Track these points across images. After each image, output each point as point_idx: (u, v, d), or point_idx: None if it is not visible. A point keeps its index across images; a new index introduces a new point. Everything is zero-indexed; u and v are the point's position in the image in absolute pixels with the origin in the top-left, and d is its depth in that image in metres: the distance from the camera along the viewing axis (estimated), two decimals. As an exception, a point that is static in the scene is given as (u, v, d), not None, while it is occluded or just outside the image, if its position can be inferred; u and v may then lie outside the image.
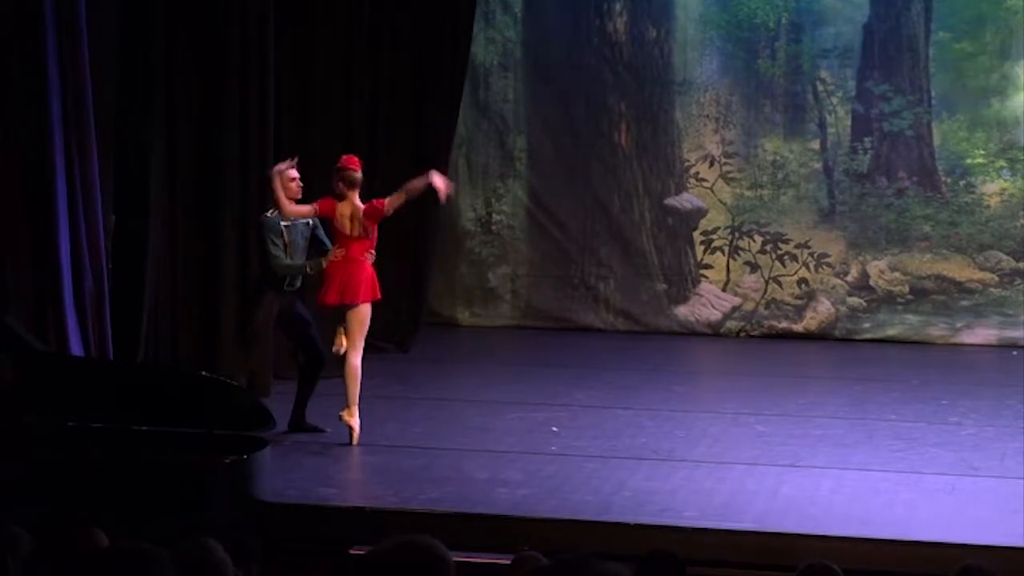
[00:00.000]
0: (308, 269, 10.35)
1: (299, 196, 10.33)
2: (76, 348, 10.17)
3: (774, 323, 14.89)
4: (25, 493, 8.06)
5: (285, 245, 10.32)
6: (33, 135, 10.10)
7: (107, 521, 5.32)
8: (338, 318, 10.35)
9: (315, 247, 10.50)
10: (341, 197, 10.19)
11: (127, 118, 11.28)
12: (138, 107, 11.34)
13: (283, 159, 10.61)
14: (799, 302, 14.88)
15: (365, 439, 10.34)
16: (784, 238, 14.87)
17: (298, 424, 10.53)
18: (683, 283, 15.06)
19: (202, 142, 11.82)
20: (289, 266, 10.32)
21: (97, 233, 10.42)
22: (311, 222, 10.41)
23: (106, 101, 10.82)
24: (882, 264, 14.75)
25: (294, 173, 10.31)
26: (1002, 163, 14.51)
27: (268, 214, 10.40)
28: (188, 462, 8.42)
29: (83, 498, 7.96)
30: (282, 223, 10.30)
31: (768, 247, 14.90)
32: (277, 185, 10.15)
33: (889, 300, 14.73)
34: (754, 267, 14.95)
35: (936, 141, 14.61)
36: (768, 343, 14.71)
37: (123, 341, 10.81)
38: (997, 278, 14.57)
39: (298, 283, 10.50)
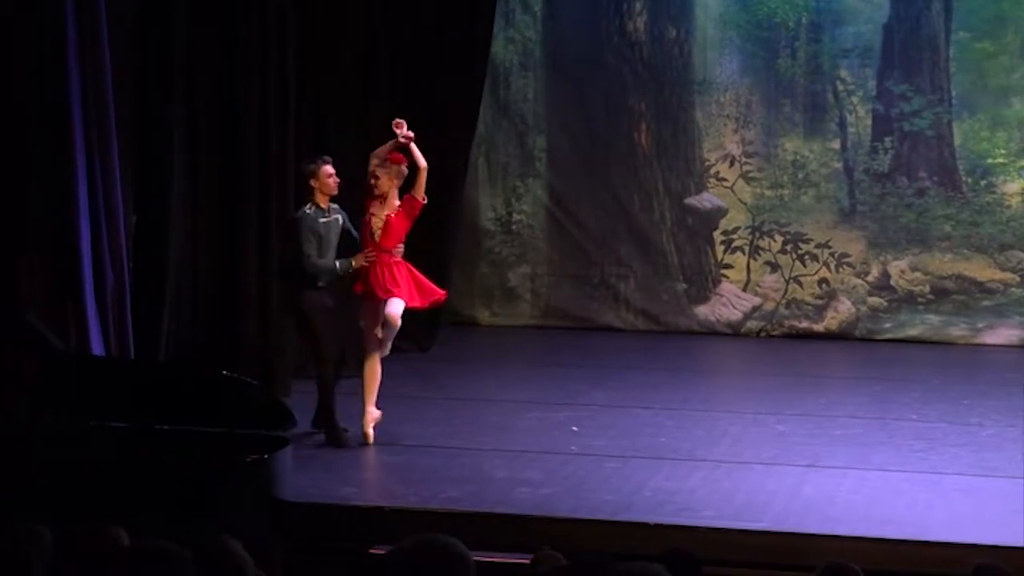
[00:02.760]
0: (338, 269, 10.27)
1: (335, 192, 10.34)
2: (97, 347, 10.19)
3: (794, 323, 14.88)
4: (47, 492, 8.08)
5: (320, 241, 10.29)
6: (54, 133, 10.12)
7: (128, 520, 5.34)
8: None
9: (344, 241, 10.46)
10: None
11: (147, 116, 11.30)
12: (158, 105, 11.35)
13: (305, 160, 10.65)
14: (819, 302, 14.86)
15: (385, 439, 10.35)
16: (804, 238, 14.85)
17: (325, 423, 10.47)
18: (703, 283, 15.05)
19: (223, 140, 11.84)
20: (320, 266, 10.24)
21: (118, 232, 10.44)
22: (341, 218, 10.42)
23: (127, 99, 10.84)
24: (903, 264, 14.72)
25: (330, 169, 10.32)
26: (1023, 162, 14.48)
27: (307, 210, 10.32)
28: (209, 461, 8.44)
29: (104, 497, 7.97)
30: (320, 219, 10.28)
31: (788, 247, 14.89)
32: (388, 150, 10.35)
33: (910, 300, 14.71)
34: (774, 267, 14.93)
35: (957, 141, 14.58)
36: (788, 343, 14.69)
37: (144, 340, 10.83)
38: (1018, 278, 14.53)
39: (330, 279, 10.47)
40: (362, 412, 10.33)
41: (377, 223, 10.33)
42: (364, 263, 10.26)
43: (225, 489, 8.30)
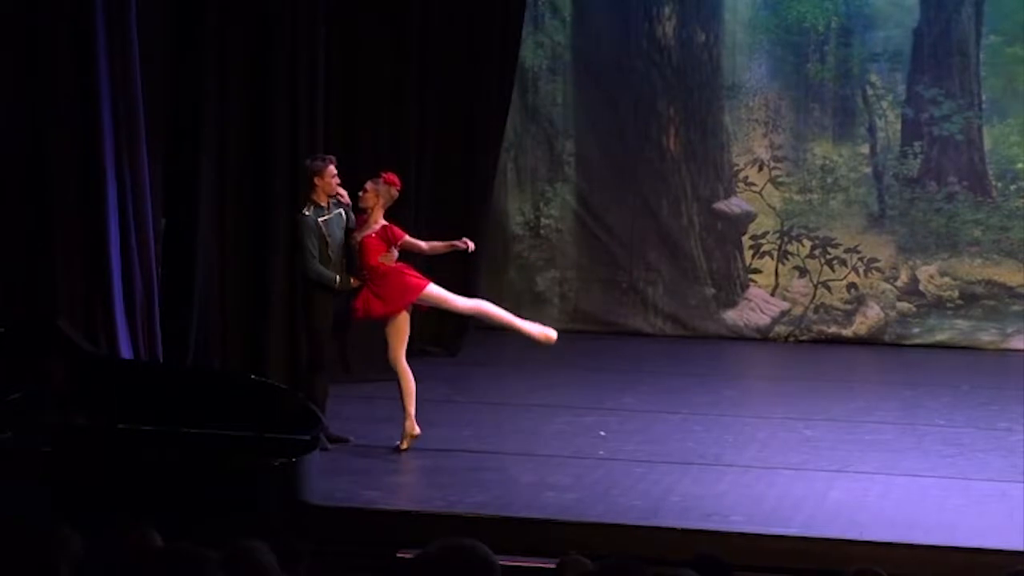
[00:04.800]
0: (338, 283, 10.26)
1: (335, 192, 10.34)
2: (126, 351, 10.22)
3: (823, 328, 14.84)
4: (76, 494, 8.10)
5: (325, 241, 10.28)
6: (84, 139, 10.16)
7: (155, 523, 5.35)
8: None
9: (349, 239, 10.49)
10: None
11: (177, 121, 11.34)
12: (188, 110, 11.39)
13: (310, 157, 10.67)
14: (848, 307, 14.82)
15: (413, 443, 10.35)
16: (833, 243, 14.82)
17: None
18: (732, 287, 15.02)
19: (251, 144, 11.86)
20: (321, 273, 10.24)
21: (147, 236, 10.47)
22: (343, 211, 10.40)
23: (156, 105, 10.87)
24: (932, 269, 14.68)
25: (334, 170, 10.34)
26: (1053, 168, 14.44)
27: (306, 212, 10.32)
28: (237, 464, 8.45)
29: (132, 500, 7.99)
30: (319, 218, 10.28)
31: (817, 251, 14.85)
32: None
33: (939, 305, 14.66)
34: (803, 272, 14.90)
35: (987, 145, 14.53)
36: (817, 348, 14.65)
37: (172, 344, 10.86)
38: (1048, 283, 14.49)
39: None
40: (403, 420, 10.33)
41: (355, 243, 10.34)
42: (358, 283, 10.26)
43: (253, 492, 8.31)
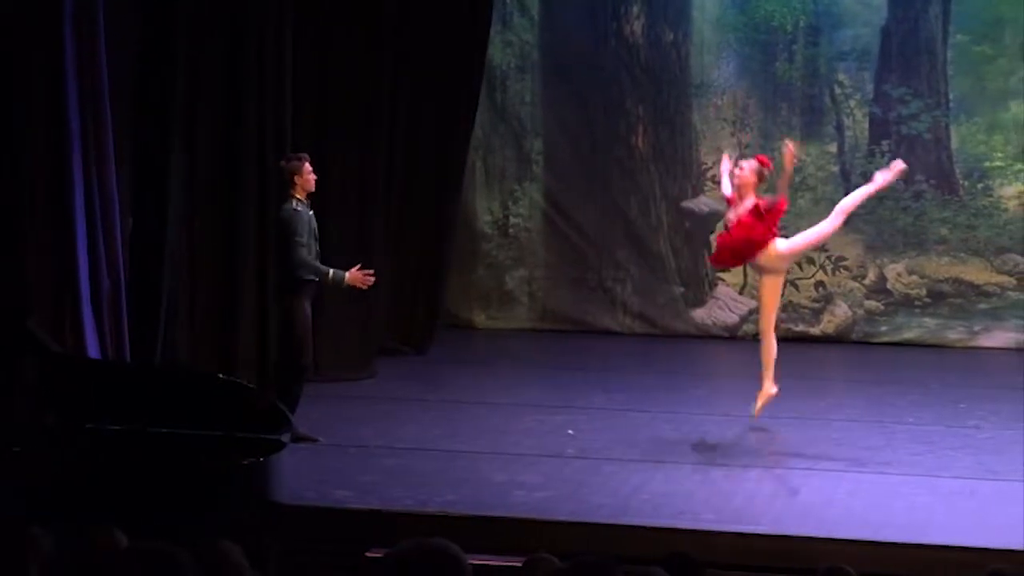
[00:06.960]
0: (329, 278, 10.29)
1: (313, 189, 10.40)
2: (93, 350, 10.18)
3: (791, 326, 14.86)
4: (44, 494, 8.07)
5: (315, 236, 10.36)
6: (51, 138, 10.12)
7: (125, 522, 5.33)
8: None
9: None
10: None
11: (145, 120, 11.29)
12: (156, 110, 11.35)
13: (286, 157, 10.70)
14: (816, 305, 14.86)
15: (381, 441, 10.34)
16: (801, 241, 14.83)
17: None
18: (700, 286, 15.04)
19: (220, 144, 11.83)
20: (313, 266, 10.28)
21: (114, 235, 10.44)
22: (312, 213, 10.45)
23: (124, 104, 10.84)
24: (899, 267, 14.72)
25: (309, 167, 10.41)
26: (1020, 166, 14.47)
27: (294, 206, 10.34)
28: (205, 464, 8.43)
29: (100, 499, 7.96)
30: (309, 213, 10.35)
31: (785, 250, 14.86)
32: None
33: (906, 303, 14.70)
34: (771, 270, 14.91)
35: (954, 144, 14.58)
36: (785, 346, 14.46)
37: (140, 343, 10.82)
38: (1015, 281, 14.53)
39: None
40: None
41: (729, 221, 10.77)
42: (357, 284, 10.29)
43: (221, 492, 8.28)
